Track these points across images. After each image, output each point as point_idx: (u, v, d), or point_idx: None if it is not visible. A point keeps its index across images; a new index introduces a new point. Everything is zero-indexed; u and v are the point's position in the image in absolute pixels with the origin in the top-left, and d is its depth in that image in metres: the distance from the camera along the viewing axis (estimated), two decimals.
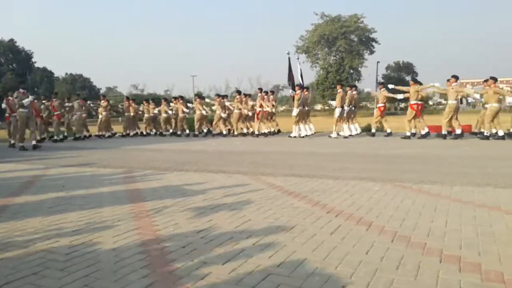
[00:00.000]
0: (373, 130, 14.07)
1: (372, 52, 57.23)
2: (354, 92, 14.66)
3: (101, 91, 72.36)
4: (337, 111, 13.95)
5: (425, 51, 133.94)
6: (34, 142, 12.17)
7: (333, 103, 15.82)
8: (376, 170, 6.45)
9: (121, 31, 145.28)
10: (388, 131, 13.61)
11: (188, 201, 4.51)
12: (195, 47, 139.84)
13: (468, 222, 3.46)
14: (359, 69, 57.23)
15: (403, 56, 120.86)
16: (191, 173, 6.60)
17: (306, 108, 14.99)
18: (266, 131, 15.22)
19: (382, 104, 14.05)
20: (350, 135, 14.01)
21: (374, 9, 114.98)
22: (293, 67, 16.24)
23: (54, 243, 3.14)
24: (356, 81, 55.35)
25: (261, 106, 15.22)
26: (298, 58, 17.52)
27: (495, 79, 11.94)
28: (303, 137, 14.18)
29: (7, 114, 14.09)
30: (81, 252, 2.91)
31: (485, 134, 11.70)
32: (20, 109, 11.95)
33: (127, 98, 19.71)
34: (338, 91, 14.36)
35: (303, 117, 14.52)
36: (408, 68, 67.77)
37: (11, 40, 55.86)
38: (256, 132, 15.24)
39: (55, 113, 15.39)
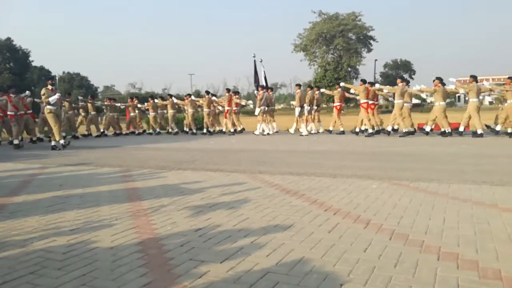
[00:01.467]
0: (357, 130, 14.25)
1: (370, 50, 57.36)
2: (317, 92, 15.45)
3: (99, 90, 72.31)
4: (297, 110, 15.03)
5: (423, 49, 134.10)
6: (62, 142, 11.46)
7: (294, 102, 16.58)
8: (373, 168, 6.46)
9: (119, 30, 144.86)
10: (357, 129, 14.20)
11: (185, 199, 4.51)
12: (192, 46, 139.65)
13: (465, 220, 3.47)
14: (357, 67, 57.35)
15: (401, 54, 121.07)
16: (188, 172, 6.60)
17: (270, 108, 15.81)
18: (232, 129, 16.16)
19: (338, 103, 14.98)
20: (310, 133, 14.78)
21: (372, 7, 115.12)
22: (258, 70, 17.16)
23: (52, 242, 3.13)
24: (354, 79, 55.46)
25: (229, 105, 16.26)
26: (261, 61, 17.68)
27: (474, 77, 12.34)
28: (265, 135, 14.99)
29: (11, 113, 13.14)
30: (79, 251, 2.90)
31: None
32: (48, 107, 11.36)
33: (131, 98, 19.43)
34: (297, 91, 15.48)
35: (266, 115, 15.42)
36: (406, 66, 67.94)
37: (8, 39, 55.58)
38: (224, 130, 16.40)
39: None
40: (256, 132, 15.25)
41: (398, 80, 13.73)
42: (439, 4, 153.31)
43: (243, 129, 16.63)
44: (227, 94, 16.65)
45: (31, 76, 57.56)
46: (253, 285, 2.29)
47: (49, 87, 11.52)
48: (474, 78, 12.46)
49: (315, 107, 15.22)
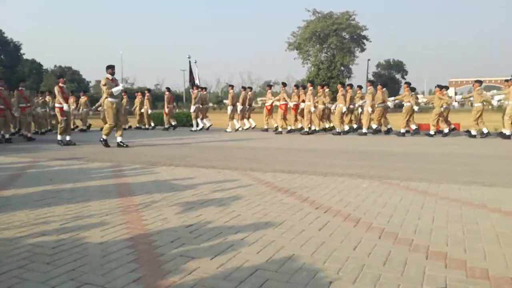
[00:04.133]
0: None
1: (363, 50, 57.44)
2: (250, 93, 16.67)
3: (91, 84, 71.69)
4: (229, 109, 16.28)
5: (415, 50, 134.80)
6: (119, 139, 10.19)
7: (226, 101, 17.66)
8: (364, 167, 6.49)
9: (111, 25, 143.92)
10: (289, 128, 15.12)
11: (177, 196, 4.50)
12: (185, 41, 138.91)
13: (454, 220, 3.50)
14: (350, 66, 57.43)
15: (393, 54, 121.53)
16: (180, 168, 6.58)
17: (204, 106, 16.86)
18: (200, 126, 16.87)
19: (269, 104, 15.89)
20: (239, 129, 16.01)
21: (366, 7, 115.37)
22: (193, 70, 17.76)
23: (41, 236, 3.11)
24: (347, 78, 55.56)
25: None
26: (195, 62, 18.20)
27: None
28: (201, 129, 16.14)
29: (22, 105, 12.78)
30: (68, 246, 2.89)
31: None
32: (109, 99, 9.96)
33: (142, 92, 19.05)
34: (230, 91, 16.77)
35: (200, 112, 16.45)
36: (398, 66, 68.18)
37: None
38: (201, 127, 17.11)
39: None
40: (195, 128, 16.24)
41: (339, 86, 14.89)
42: (433, 5, 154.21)
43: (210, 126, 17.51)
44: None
45: (22, 69, 57.00)
46: (243, 281, 2.29)
47: (109, 76, 10.10)
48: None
49: (247, 106, 16.46)
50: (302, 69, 61.73)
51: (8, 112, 12.15)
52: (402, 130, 13.15)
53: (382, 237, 3.05)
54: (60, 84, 11.04)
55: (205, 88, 17.66)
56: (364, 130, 13.75)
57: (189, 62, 18.17)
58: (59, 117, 11.07)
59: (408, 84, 13.74)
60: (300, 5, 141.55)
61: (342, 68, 56.74)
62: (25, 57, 58.67)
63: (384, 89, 14.23)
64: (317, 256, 2.68)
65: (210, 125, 16.64)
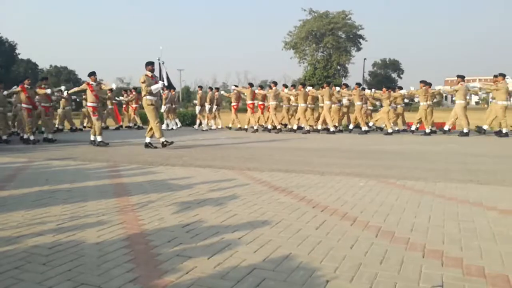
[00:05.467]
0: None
1: (359, 49, 57.47)
2: (216, 93, 17.24)
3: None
4: (197, 109, 17.19)
5: (412, 49, 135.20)
6: (162, 140, 9.57)
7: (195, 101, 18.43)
8: (361, 166, 6.50)
9: (108, 24, 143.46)
10: (255, 127, 15.62)
11: (173, 195, 4.49)
12: (181, 41, 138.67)
13: (450, 218, 3.52)
14: (346, 65, 57.48)
15: (389, 54, 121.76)
16: (177, 168, 6.57)
17: (174, 106, 17.88)
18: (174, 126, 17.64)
19: (235, 103, 16.58)
20: (211, 129, 16.70)
21: (362, 6, 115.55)
22: (162, 71, 18.12)
23: (37, 237, 3.10)
24: (343, 78, 55.64)
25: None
26: (163, 63, 18.49)
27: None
28: (170, 129, 16.55)
29: (46, 105, 12.07)
30: (65, 246, 2.88)
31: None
32: (148, 97, 9.47)
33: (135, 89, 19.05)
34: (198, 92, 17.84)
35: (171, 112, 17.42)
36: (394, 65, 68.34)
37: None
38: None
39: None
40: (168, 127, 16.88)
41: (317, 88, 15.79)
42: (429, 4, 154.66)
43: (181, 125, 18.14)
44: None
45: (17, 69, 56.72)
46: (240, 281, 2.29)
47: (149, 73, 9.64)
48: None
49: (215, 106, 17.11)
50: (299, 68, 61.81)
51: (34, 112, 11.71)
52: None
53: (378, 236, 3.06)
54: (91, 82, 10.47)
55: (174, 88, 17.99)
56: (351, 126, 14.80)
57: (159, 64, 18.67)
58: (92, 117, 10.58)
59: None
60: (296, 4, 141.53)
61: (339, 67, 56.79)
62: (20, 56, 58.39)
63: (338, 88, 14.93)
64: (314, 255, 2.68)
65: (179, 127, 17.32)
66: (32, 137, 11.32)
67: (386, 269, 2.44)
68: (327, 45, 55.25)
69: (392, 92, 14.31)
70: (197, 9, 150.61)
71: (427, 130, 12.98)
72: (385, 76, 64.23)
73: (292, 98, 15.36)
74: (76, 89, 11.90)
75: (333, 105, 14.23)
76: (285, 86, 17.17)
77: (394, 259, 2.59)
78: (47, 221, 3.52)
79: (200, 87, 18.48)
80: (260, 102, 15.77)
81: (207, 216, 3.63)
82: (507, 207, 3.86)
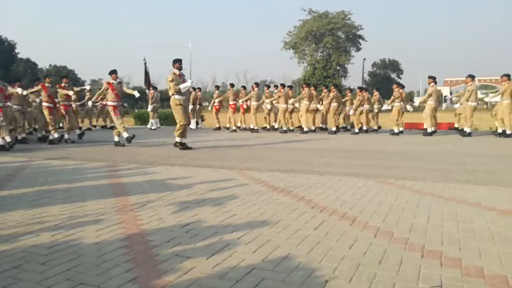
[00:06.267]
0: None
1: (358, 49, 57.58)
2: (199, 93, 18.27)
3: (86, 83, 71.40)
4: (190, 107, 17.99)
5: (411, 49, 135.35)
6: (178, 140, 9.33)
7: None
8: (360, 166, 6.51)
9: (107, 24, 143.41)
10: (233, 127, 16.07)
11: (172, 195, 4.49)
12: (181, 41, 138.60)
13: (449, 218, 3.52)
14: (346, 65, 57.57)
15: (389, 54, 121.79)
16: (176, 168, 6.57)
17: (158, 105, 18.83)
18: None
19: (218, 104, 17.21)
20: (191, 128, 16.43)
21: (361, 7, 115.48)
22: (147, 71, 18.59)
23: (36, 236, 3.09)
24: (343, 78, 55.74)
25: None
26: (145, 62, 18.76)
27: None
28: (154, 129, 17.16)
29: (65, 103, 11.52)
30: (63, 246, 2.88)
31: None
32: (176, 96, 9.03)
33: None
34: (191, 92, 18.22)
35: (156, 111, 18.08)
36: (393, 66, 68.42)
37: None
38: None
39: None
40: (152, 127, 17.46)
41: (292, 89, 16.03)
42: (429, 5, 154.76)
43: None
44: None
45: (17, 68, 56.64)
46: (239, 281, 2.29)
47: (177, 71, 9.10)
48: (433, 79, 13.05)
49: (198, 106, 17.97)
50: (298, 68, 61.90)
51: (55, 110, 11.33)
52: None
53: (377, 236, 3.06)
54: (111, 81, 10.27)
55: (156, 88, 18.86)
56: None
57: (144, 64, 18.79)
58: (113, 116, 10.35)
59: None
60: (296, 4, 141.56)
61: (338, 67, 56.86)
62: (19, 56, 58.32)
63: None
64: (313, 255, 2.68)
65: (158, 127, 17.88)
66: (56, 135, 11.12)
67: (385, 269, 2.44)
68: (327, 45, 55.32)
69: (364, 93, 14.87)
70: (197, 10, 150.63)
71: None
72: (384, 76, 64.25)
73: (267, 100, 15.73)
74: (98, 93, 11.45)
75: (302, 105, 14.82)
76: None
77: (393, 259, 2.59)
78: (45, 221, 3.51)
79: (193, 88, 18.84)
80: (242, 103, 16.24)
81: (206, 216, 3.63)
82: (506, 208, 3.86)
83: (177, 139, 9.32)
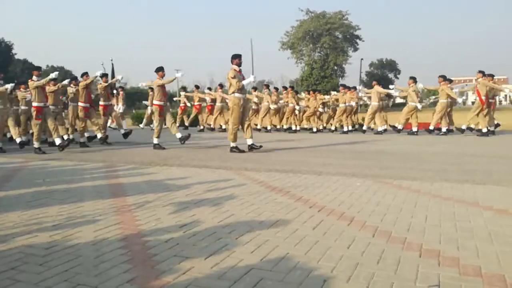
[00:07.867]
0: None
1: (356, 49, 57.68)
2: (184, 94, 18.82)
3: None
4: (149, 109, 17.70)
5: (408, 49, 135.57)
6: (250, 142, 8.76)
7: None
8: (358, 166, 6.51)
9: (104, 24, 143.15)
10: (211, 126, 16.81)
11: (170, 196, 4.48)
12: (178, 41, 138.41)
13: (447, 218, 3.52)
14: (343, 65, 57.64)
15: (386, 54, 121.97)
16: (174, 168, 6.57)
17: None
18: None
19: (182, 104, 18.05)
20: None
21: (358, 7, 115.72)
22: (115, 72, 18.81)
23: (34, 237, 3.09)
24: (340, 78, 55.79)
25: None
26: (113, 64, 19.04)
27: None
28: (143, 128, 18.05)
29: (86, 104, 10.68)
30: (61, 247, 2.87)
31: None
32: (237, 94, 8.49)
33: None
34: (150, 93, 18.03)
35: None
36: (391, 66, 68.39)
37: None
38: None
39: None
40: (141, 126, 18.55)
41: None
42: (426, 4, 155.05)
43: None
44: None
45: (14, 69, 56.51)
46: (237, 281, 2.29)
47: (236, 68, 8.56)
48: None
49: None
50: (296, 68, 61.95)
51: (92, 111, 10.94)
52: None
53: (375, 236, 3.06)
54: (159, 80, 9.69)
55: (122, 88, 19.06)
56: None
57: (112, 64, 19.05)
58: (157, 118, 9.79)
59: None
60: (293, 4, 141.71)
61: (335, 67, 56.92)
62: (16, 57, 58.17)
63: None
64: (311, 255, 2.68)
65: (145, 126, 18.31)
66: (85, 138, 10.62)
67: (383, 268, 2.45)
68: (324, 45, 55.39)
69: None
70: (197, 10, 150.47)
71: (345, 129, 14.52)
72: (381, 76, 64.23)
73: (255, 99, 16.25)
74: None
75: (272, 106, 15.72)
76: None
77: (391, 259, 2.59)
78: (43, 222, 3.51)
79: (151, 89, 18.35)
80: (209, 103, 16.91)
81: (204, 217, 3.62)
82: (503, 207, 3.87)
83: (232, 144, 8.69)
